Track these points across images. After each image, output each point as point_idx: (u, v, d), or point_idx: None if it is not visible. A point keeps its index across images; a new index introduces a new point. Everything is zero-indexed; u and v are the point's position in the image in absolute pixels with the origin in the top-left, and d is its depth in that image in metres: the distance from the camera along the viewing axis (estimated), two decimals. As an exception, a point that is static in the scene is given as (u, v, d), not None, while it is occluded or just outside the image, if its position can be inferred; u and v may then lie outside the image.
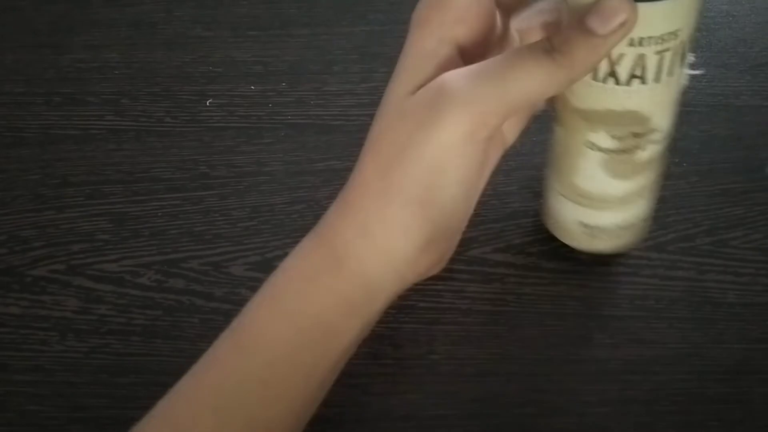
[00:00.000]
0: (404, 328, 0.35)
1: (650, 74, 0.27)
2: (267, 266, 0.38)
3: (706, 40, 0.45)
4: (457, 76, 0.25)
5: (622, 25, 0.24)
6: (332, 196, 0.39)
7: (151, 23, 0.46)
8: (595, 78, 0.27)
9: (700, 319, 0.35)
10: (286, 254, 0.38)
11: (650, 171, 0.32)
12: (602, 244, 0.35)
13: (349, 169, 0.40)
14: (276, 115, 0.43)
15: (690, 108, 0.42)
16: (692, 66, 0.30)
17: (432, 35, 0.27)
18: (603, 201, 0.32)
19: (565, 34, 0.25)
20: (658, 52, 0.26)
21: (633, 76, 0.27)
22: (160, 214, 0.40)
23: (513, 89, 0.25)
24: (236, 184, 0.40)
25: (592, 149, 0.30)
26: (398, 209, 0.26)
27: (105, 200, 0.40)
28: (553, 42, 0.25)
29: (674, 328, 0.35)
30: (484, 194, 0.38)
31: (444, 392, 0.34)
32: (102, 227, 0.39)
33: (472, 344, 0.35)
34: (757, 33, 0.45)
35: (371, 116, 0.42)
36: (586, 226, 0.34)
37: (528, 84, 0.25)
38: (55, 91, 0.44)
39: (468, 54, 0.27)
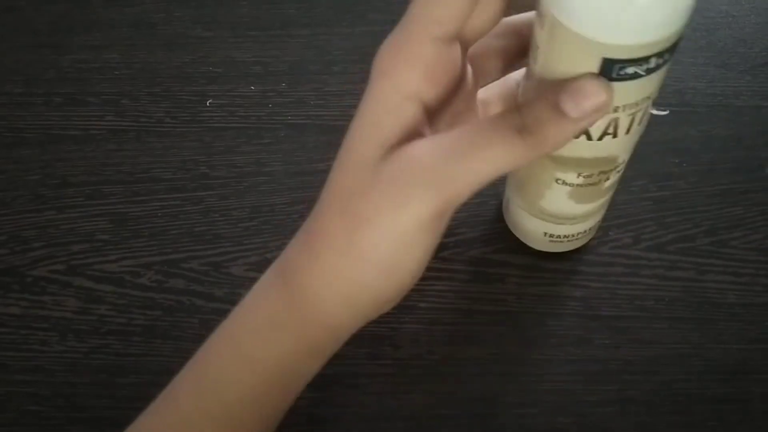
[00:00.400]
0: (404, 328, 0.35)
1: (622, 131, 0.27)
2: (267, 266, 0.38)
3: (706, 41, 0.45)
4: (425, 152, 0.25)
5: (597, 109, 0.23)
6: (332, 197, 0.40)
7: (151, 24, 0.46)
8: None
9: (699, 320, 0.35)
10: (286, 254, 0.38)
11: (611, 191, 0.33)
12: (563, 247, 0.37)
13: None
14: (276, 115, 0.43)
15: (690, 108, 0.42)
16: (657, 107, 0.29)
17: (396, 90, 0.25)
18: (567, 219, 0.34)
19: (535, 111, 0.24)
20: (631, 114, 0.26)
21: (605, 134, 0.27)
22: (160, 214, 0.40)
23: (484, 169, 0.24)
24: (236, 184, 0.40)
25: (560, 184, 0.31)
26: (363, 272, 0.26)
27: (105, 200, 0.40)
28: (525, 119, 0.24)
29: (674, 328, 0.35)
30: (484, 195, 0.38)
31: (444, 392, 0.34)
32: (102, 227, 0.39)
33: (472, 344, 0.35)
34: (757, 33, 0.45)
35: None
36: (550, 236, 0.35)
37: (498, 163, 0.24)
38: (55, 92, 0.44)
39: (433, 110, 0.26)
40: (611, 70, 0.24)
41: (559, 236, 0.35)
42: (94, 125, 0.42)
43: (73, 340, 0.36)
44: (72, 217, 0.40)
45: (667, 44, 0.24)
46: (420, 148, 0.25)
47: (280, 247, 0.39)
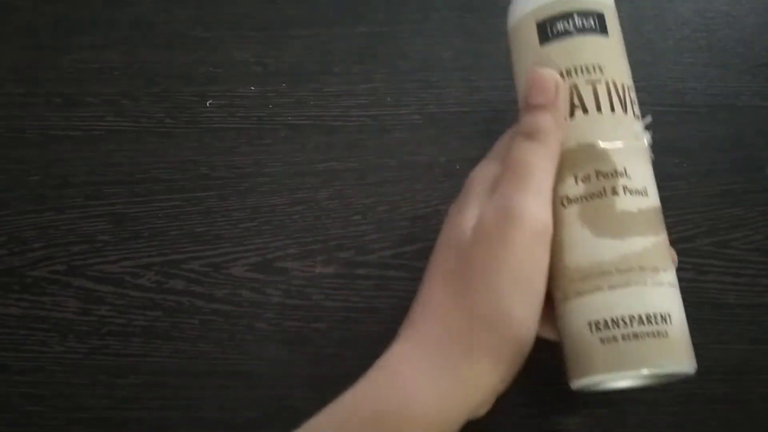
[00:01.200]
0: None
1: (588, 103, 0.29)
2: (267, 267, 0.38)
3: (706, 41, 0.45)
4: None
5: (546, 80, 0.29)
6: (332, 197, 0.40)
7: (151, 24, 0.46)
8: None
9: (700, 320, 0.35)
10: (286, 255, 0.38)
11: (646, 230, 0.29)
12: (625, 360, 0.27)
13: (349, 170, 0.41)
14: (276, 115, 0.43)
15: (690, 108, 0.42)
16: (648, 126, 0.31)
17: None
18: (599, 274, 0.28)
19: (523, 119, 0.30)
20: (588, 82, 0.30)
21: (573, 107, 0.30)
22: (160, 215, 0.40)
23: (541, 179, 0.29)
24: (236, 184, 0.40)
25: (566, 206, 0.29)
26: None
27: (105, 201, 0.40)
28: (522, 129, 0.30)
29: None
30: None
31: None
32: (102, 228, 0.39)
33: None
34: (757, 34, 0.45)
35: (371, 117, 0.43)
36: (596, 324, 0.28)
37: (542, 167, 0.29)
38: (55, 92, 0.44)
39: None
40: (546, 31, 0.30)
41: (605, 322, 0.27)
42: (94, 126, 0.42)
43: (73, 341, 0.36)
44: (72, 218, 0.40)
45: (588, 6, 0.30)
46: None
47: (281, 248, 0.39)
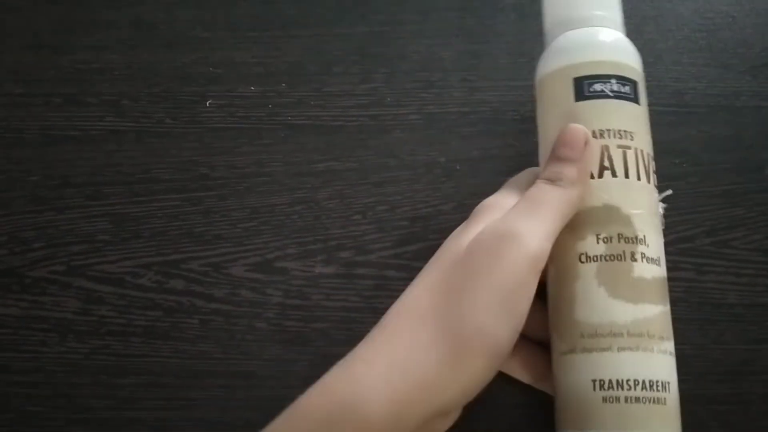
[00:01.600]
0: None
1: (618, 167, 0.30)
2: (267, 267, 0.38)
3: (706, 41, 0.45)
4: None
5: (577, 138, 0.30)
6: (332, 197, 0.40)
7: (151, 24, 0.46)
8: None
9: (700, 320, 0.35)
10: (286, 255, 0.38)
11: (656, 299, 0.30)
12: (624, 421, 0.28)
13: (349, 170, 0.41)
14: (276, 115, 0.43)
15: (690, 109, 0.42)
16: (666, 200, 0.32)
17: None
18: (610, 334, 0.29)
19: (548, 168, 0.31)
20: (620, 147, 0.31)
21: (603, 168, 0.30)
22: (160, 215, 0.40)
23: (551, 215, 0.29)
24: (236, 185, 0.40)
25: (584, 262, 0.30)
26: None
27: (105, 201, 0.40)
28: (548, 175, 0.30)
29: (675, 328, 0.35)
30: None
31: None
32: (102, 228, 0.39)
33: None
34: (758, 34, 0.45)
35: (371, 117, 0.43)
36: (600, 383, 0.28)
37: (556, 207, 0.29)
38: (55, 92, 0.44)
39: None
40: (582, 88, 0.31)
41: (609, 381, 0.28)
42: (94, 126, 0.42)
43: (73, 341, 0.36)
44: (72, 218, 0.40)
45: (625, 73, 0.31)
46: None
47: (281, 248, 0.39)
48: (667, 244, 0.38)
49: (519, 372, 0.33)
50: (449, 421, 0.29)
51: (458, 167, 0.40)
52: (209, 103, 0.43)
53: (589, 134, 0.31)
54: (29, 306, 0.37)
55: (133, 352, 0.36)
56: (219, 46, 0.45)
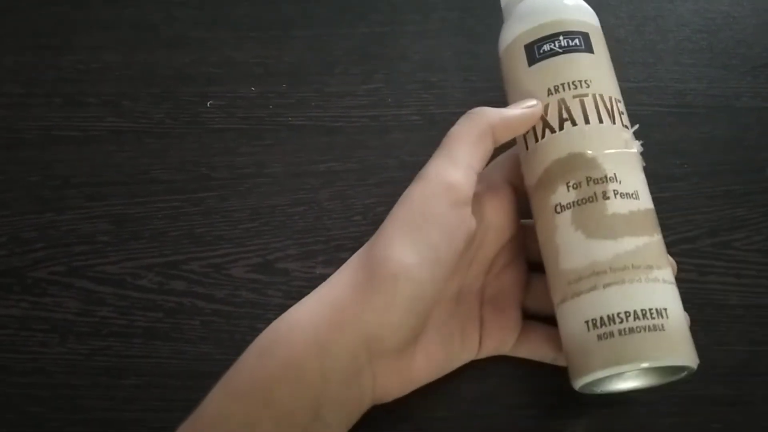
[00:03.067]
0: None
1: (576, 116, 0.31)
2: (268, 268, 0.38)
3: (706, 42, 0.45)
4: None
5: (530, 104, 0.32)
6: (333, 198, 0.40)
7: (151, 24, 0.46)
8: (536, 139, 0.32)
9: (701, 321, 0.35)
10: (287, 255, 0.38)
11: (638, 231, 0.29)
12: (622, 355, 0.27)
13: (350, 170, 0.41)
14: (276, 116, 0.42)
15: (690, 110, 0.42)
16: (636, 136, 0.32)
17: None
18: (593, 274, 0.29)
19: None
20: (576, 96, 0.31)
21: (563, 120, 0.31)
22: (160, 215, 0.40)
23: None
24: (237, 185, 0.40)
25: (559, 212, 0.30)
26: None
27: (105, 202, 0.40)
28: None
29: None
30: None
31: (444, 392, 0.33)
32: (102, 229, 0.39)
33: (473, 346, 0.35)
34: (758, 34, 0.45)
35: (371, 117, 0.43)
36: (593, 322, 0.28)
37: (461, 138, 0.32)
38: (55, 93, 0.44)
39: None
40: (533, 52, 0.33)
41: (600, 318, 0.28)
42: (94, 126, 0.42)
43: (73, 342, 0.36)
44: (72, 219, 0.40)
45: (572, 27, 0.33)
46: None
47: (281, 249, 0.39)
48: (668, 245, 0.38)
49: (536, 352, 0.34)
50: (400, 372, 0.30)
51: (459, 168, 0.40)
52: (209, 104, 0.43)
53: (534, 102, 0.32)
54: (30, 307, 0.37)
55: (133, 353, 0.36)
56: (219, 46, 0.45)
